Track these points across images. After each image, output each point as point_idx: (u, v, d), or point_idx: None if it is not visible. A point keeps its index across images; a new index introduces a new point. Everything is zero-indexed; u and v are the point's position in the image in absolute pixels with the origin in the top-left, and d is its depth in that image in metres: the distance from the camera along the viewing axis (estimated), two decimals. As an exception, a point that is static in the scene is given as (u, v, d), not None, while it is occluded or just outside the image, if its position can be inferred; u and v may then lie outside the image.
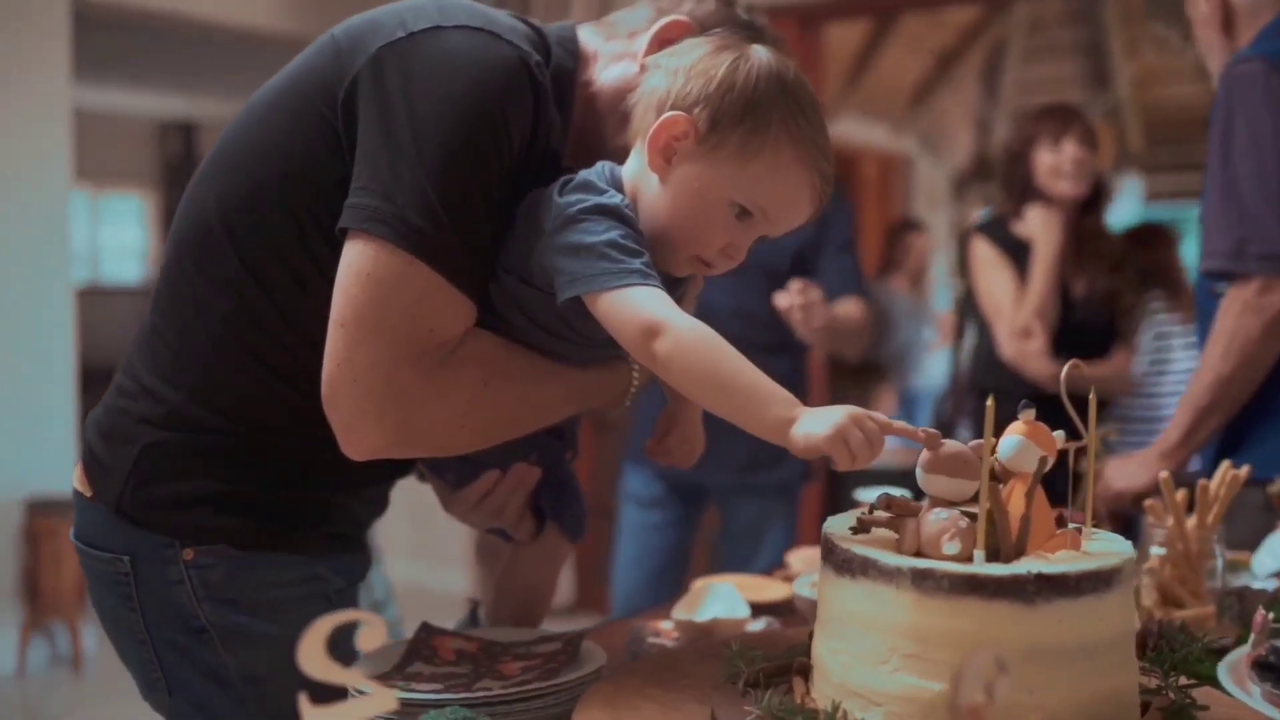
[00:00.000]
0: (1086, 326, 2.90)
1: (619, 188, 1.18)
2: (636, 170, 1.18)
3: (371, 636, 0.78)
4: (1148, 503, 1.45)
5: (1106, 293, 2.90)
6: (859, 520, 1.02)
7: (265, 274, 1.19)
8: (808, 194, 1.15)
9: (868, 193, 8.25)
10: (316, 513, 1.29)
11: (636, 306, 1.06)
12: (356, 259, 1.10)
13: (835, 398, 4.26)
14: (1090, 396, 1.02)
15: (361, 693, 0.80)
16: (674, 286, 1.23)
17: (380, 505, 1.41)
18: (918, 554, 0.96)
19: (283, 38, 4.80)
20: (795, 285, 2.39)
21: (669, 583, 2.75)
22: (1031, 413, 0.97)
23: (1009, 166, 2.94)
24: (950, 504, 0.98)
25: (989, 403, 0.92)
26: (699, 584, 1.57)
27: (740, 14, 1.37)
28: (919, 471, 0.99)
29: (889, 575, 0.93)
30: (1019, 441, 0.97)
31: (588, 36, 1.33)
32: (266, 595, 1.25)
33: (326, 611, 1.31)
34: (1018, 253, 2.89)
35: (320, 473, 1.25)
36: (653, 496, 2.80)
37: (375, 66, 1.14)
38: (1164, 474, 1.43)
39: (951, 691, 0.71)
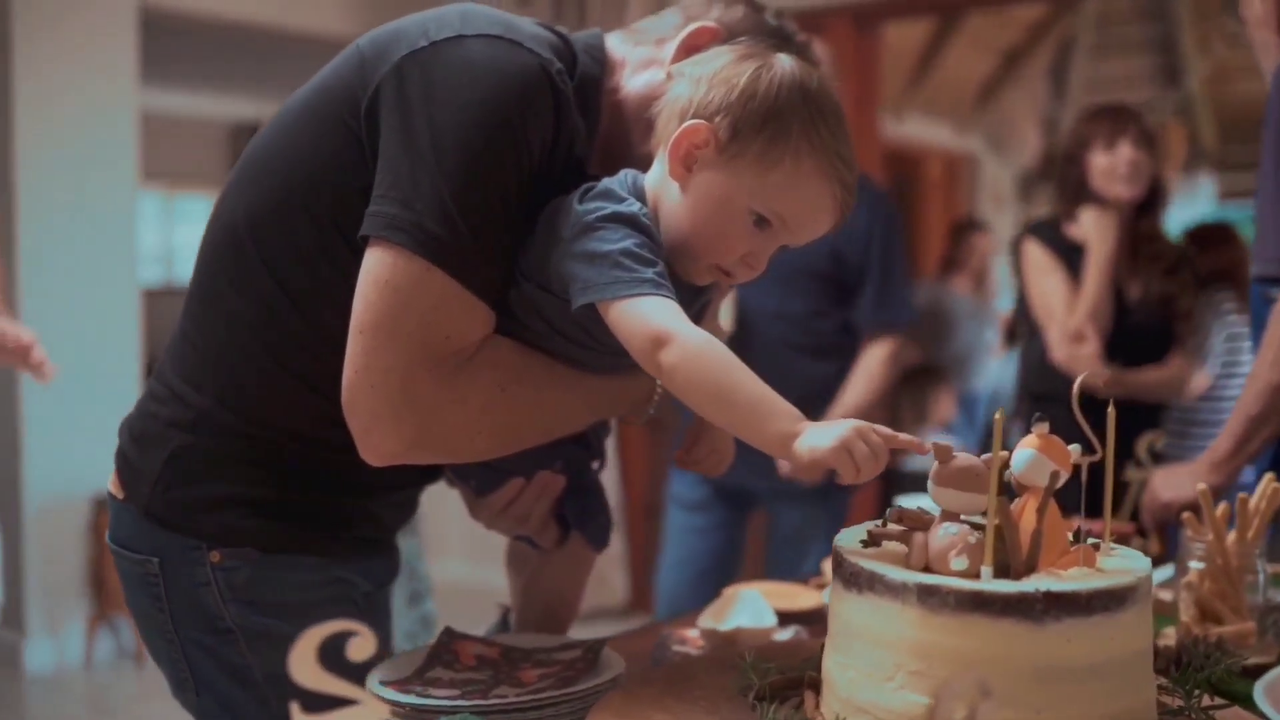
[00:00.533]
0: (1142, 331, 2.84)
1: (641, 196, 1.18)
2: (658, 178, 1.18)
3: (361, 647, 0.79)
4: (1185, 515, 1.42)
5: (1162, 296, 2.83)
6: (870, 533, 1.01)
7: (290, 281, 1.21)
8: (828, 204, 1.14)
9: (932, 193, 8.16)
10: (342, 517, 1.30)
11: (645, 316, 1.06)
12: (375, 266, 1.12)
13: (889, 400, 4.23)
14: (1109, 410, 1.00)
15: (354, 702, 0.80)
16: (697, 295, 1.23)
17: (408, 509, 1.42)
18: (926, 569, 0.94)
19: (348, 42, 4.86)
20: None
21: (713, 586, 2.73)
22: (1045, 426, 0.95)
23: (1063, 168, 2.89)
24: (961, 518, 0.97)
25: (996, 415, 0.90)
26: (729, 591, 1.56)
27: (769, 19, 1.36)
28: (930, 484, 0.98)
29: (895, 590, 0.92)
30: (1031, 455, 0.95)
31: (616, 44, 1.33)
32: (291, 597, 1.26)
33: (352, 614, 1.34)
34: (1071, 256, 2.83)
35: (346, 478, 1.26)
36: (697, 500, 2.79)
37: (397, 75, 1.15)
38: (1201, 486, 1.40)
39: (930, 712, 0.70)
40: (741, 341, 2.79)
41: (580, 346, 1.19)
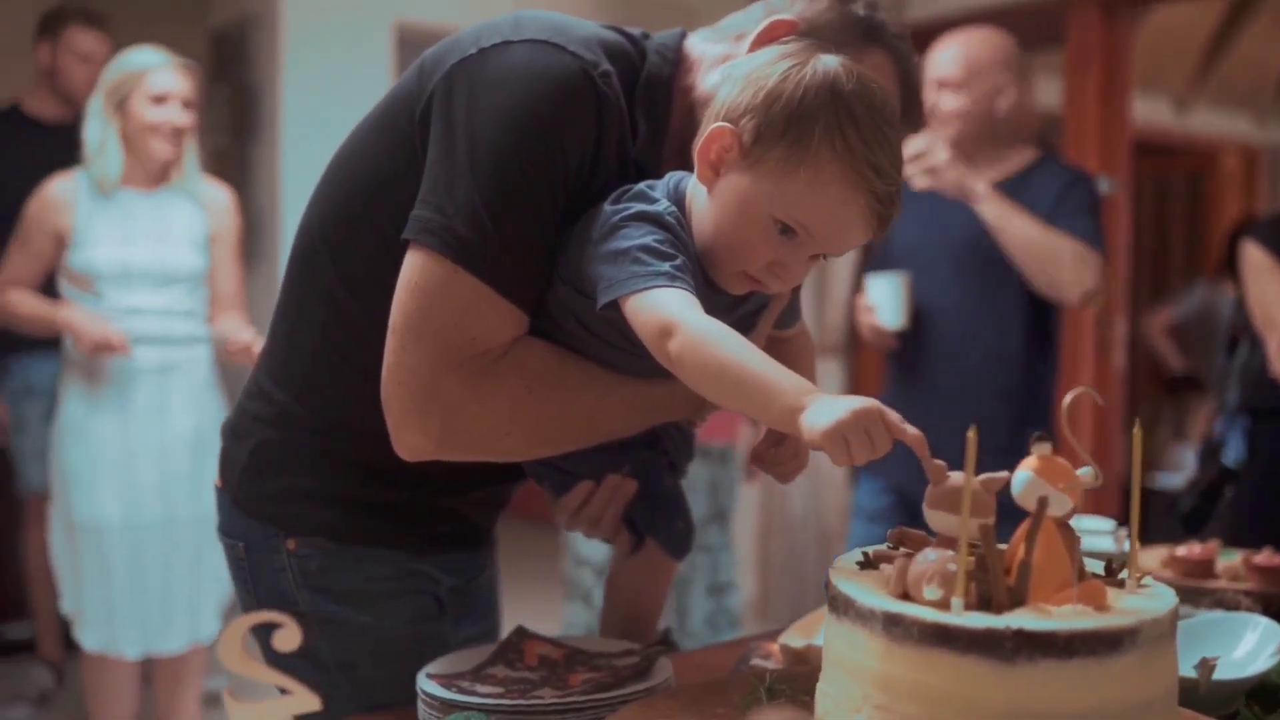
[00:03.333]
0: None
1: (679, 197, 1.15)
2: (695, 180, 1.16)
3: (287, 638, 0.81)
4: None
5: None
6: (866, 554, 0.95)
7: (358, 284, 1.26)
8: (855, 214, 1.08)
9: (1230, 188, 7.52)
10: (416, 512, 1.34)
11: (655, 307, 1.04)
12: (409, 268, 1.15)
13: (1143, 412, 3.93)
14: (1135, 430, 0.89)
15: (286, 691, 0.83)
16: (738, 302, 1.19)
17: (493, 506, 1.45)
18: (904, 597, 0.87)
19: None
20: None
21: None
22: (1047, 445, 0.86)
23: None
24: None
25: (970, 434, 0.83)
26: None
27: (858, 10, 1.30)
28: (924, 507, 0.91)
29: (864, 617, 0.86)
30: (1028, 478, 0.86)
31: (696, 42, 1.31)
32: (360, 587, 1.31)
33: (428, 607, 1.38)
34: None
35: (418, 474, 1.30)
36: (879, 510, 2.70)
37: (447, 83, 1.17)
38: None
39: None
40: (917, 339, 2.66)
41: (616, 349, 1.18)
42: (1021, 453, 0.87)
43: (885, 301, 2.58)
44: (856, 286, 3.10)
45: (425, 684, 1.19)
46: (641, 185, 1.16)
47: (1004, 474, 0.87)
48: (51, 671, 3.84)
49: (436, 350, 1.13)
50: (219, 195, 3.07)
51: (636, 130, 1.22)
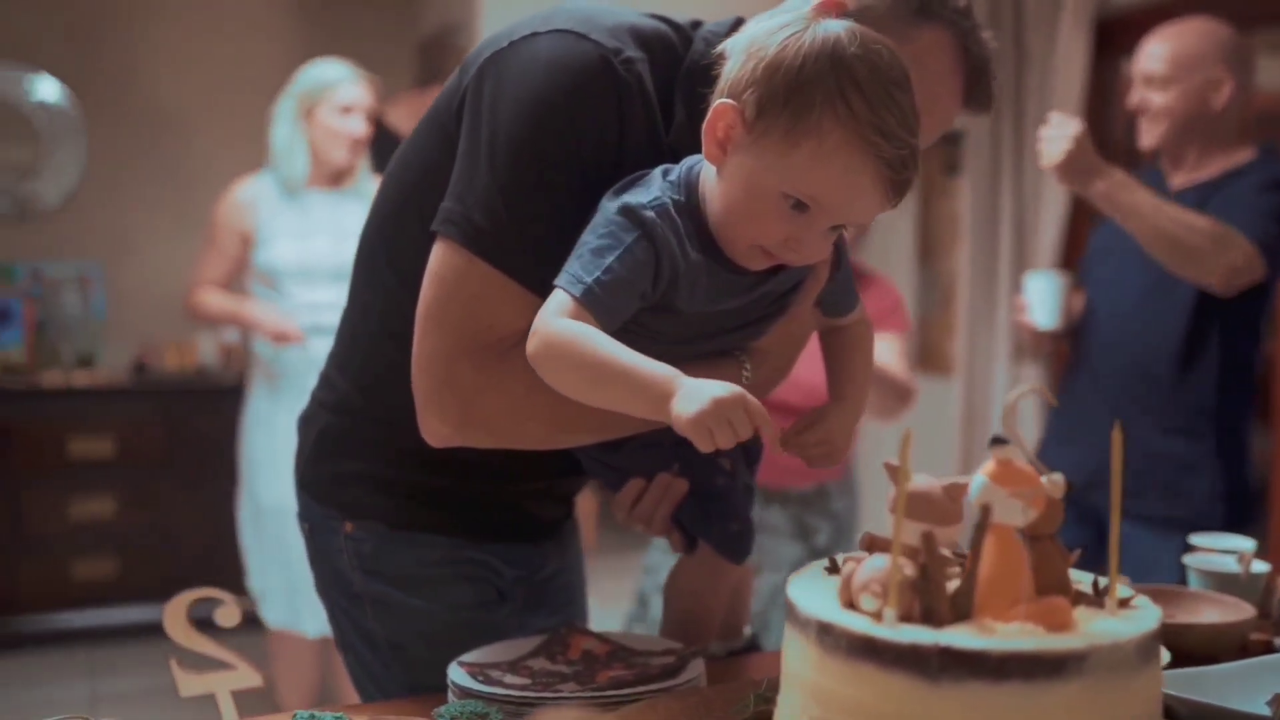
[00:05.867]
0: None
1: (693, 180, 1.13)
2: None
3: (227, 615, 0.84)
4: None
5: None
6: (833, 560, 0.90)
7: (407, 274, 1.29)
8: (865, 182, 1.03)
9: None
10: (468, 500, 1.36)
11: (543, 310, 1.08)
12: (432, 259, 1.18)
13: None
14: (1115, 434, 0.81)
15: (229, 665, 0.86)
16: (759, 280, 1.16)
17: (553, 499, 1.45)
18: (850, 605, 0.82)
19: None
20: None
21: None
22: (1004, 449, 0.79)
23: None
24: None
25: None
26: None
27: None
28: (888, 512, 0.85)
29: (802, 626, 0.82)
30: (982, 484, 0.80)
31: (752, 26, 1.28)
32: (411, 571, 1.35)
33: (485, 595, 1.40)
34: None
35: (467, 462, 1.32)
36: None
37: (478, 77, 1.20)
38: None
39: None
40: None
41: (636, 336, 1.17)
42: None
43: (1040, 301, 2.43)
44: (1017, 287, 2.92)
45: (454, 670, 1.21)
46: (654, 170, 1.15)
47: (967, 479, 0.81)
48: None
49: (453, 338, 1.16)
50: None
51: (673, 117, 1.20)
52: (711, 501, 1.33)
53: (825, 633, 0.79)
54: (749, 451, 1.38)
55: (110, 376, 4.32)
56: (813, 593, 0.85)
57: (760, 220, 1.07)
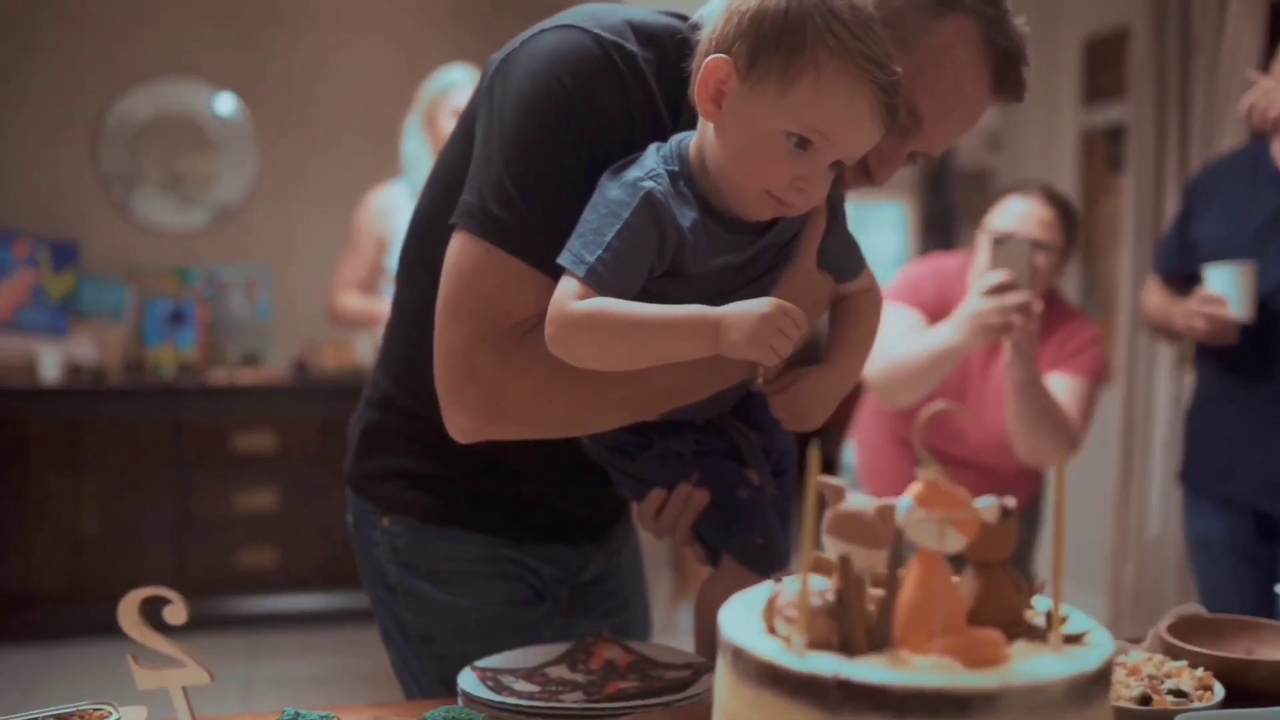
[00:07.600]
0: None
1: (682, 153, 1.15)
2: (699, 127, 1.15)
3: (174, 613, 0.86)
4: None
5: None
6: (779, 579, 0.86)
7: (439, 274, 1.31)
8: (864, 106, 1.07)
9: None
10: (501, 498, 1.37)
11: (557, 292, 1.11)
12: (450, 252, 1.20)
13: None
14: (1058, 457, 0.74)
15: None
16: (760, 233, 1.17)
17: (589, 504, 1.44)
18: (772, 631, 0.78)
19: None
20: None
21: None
22: (932, 470, 0.74)
23: None
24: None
25: (811, 448, 0.73)
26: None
27: None
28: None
29: (722, 648, 0.78)
30: (908, 506, 0.74)
31: None
32: (443, 566, 1.37)
33: (521, 594, 1.41)
34: None
35: (499, 461, 1.33)
36: (1214, 534, 2.36)
37: (491, 78, 1.23)
38: None
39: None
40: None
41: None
42: None
43: (1234, 292, 2.24)
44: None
45: (464, 674, 1.21)
46: (649, 147, 1.16)
47: (890, 501, 0.76)
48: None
49: (472, 328, 1.17)
50: None
51: (680, 111, 1.20)
52: (734, 513, 1.30)
53: (737, 657, 0.75)
54: (776, 464, 1.34)
55: (272, 374, 4.54)
56: (746, 614, 0.81)
57: (765, 164, 1.09)
